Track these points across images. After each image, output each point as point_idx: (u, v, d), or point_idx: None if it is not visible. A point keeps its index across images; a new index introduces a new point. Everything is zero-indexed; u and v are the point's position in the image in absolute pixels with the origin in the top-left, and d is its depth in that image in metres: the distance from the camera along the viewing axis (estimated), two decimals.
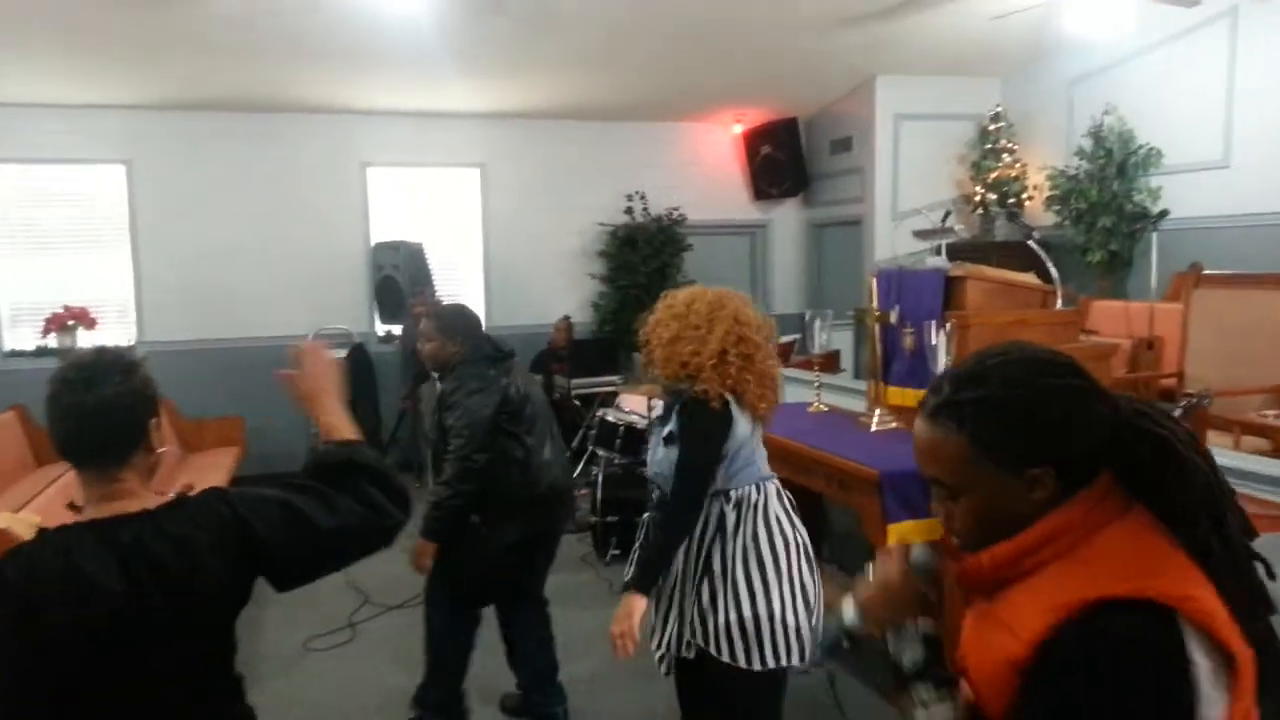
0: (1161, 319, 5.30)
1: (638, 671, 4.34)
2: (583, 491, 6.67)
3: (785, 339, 6.27)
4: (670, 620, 2.66)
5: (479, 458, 3.45)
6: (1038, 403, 1.19)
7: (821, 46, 7.27)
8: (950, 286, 3.82)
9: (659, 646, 2.69)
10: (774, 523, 2.60)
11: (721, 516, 2.58)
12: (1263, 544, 1.38)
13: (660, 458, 2.67)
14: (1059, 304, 3.82)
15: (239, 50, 6.58)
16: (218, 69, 6.98)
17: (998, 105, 8.12)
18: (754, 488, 2.62)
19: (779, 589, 2.54)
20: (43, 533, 1.63)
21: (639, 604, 2.58)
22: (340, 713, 4.14)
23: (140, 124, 7.73)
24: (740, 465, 2.60)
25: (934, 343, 3.51)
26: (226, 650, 1.73)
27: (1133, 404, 1.23)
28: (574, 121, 8.74)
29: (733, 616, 2.52)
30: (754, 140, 9.22)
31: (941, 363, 3.49)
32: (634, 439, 5.83)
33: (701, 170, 9.24)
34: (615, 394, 7.00)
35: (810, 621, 2.57)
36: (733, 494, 2.60)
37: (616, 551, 5.77)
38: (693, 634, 2.58)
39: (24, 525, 3.35)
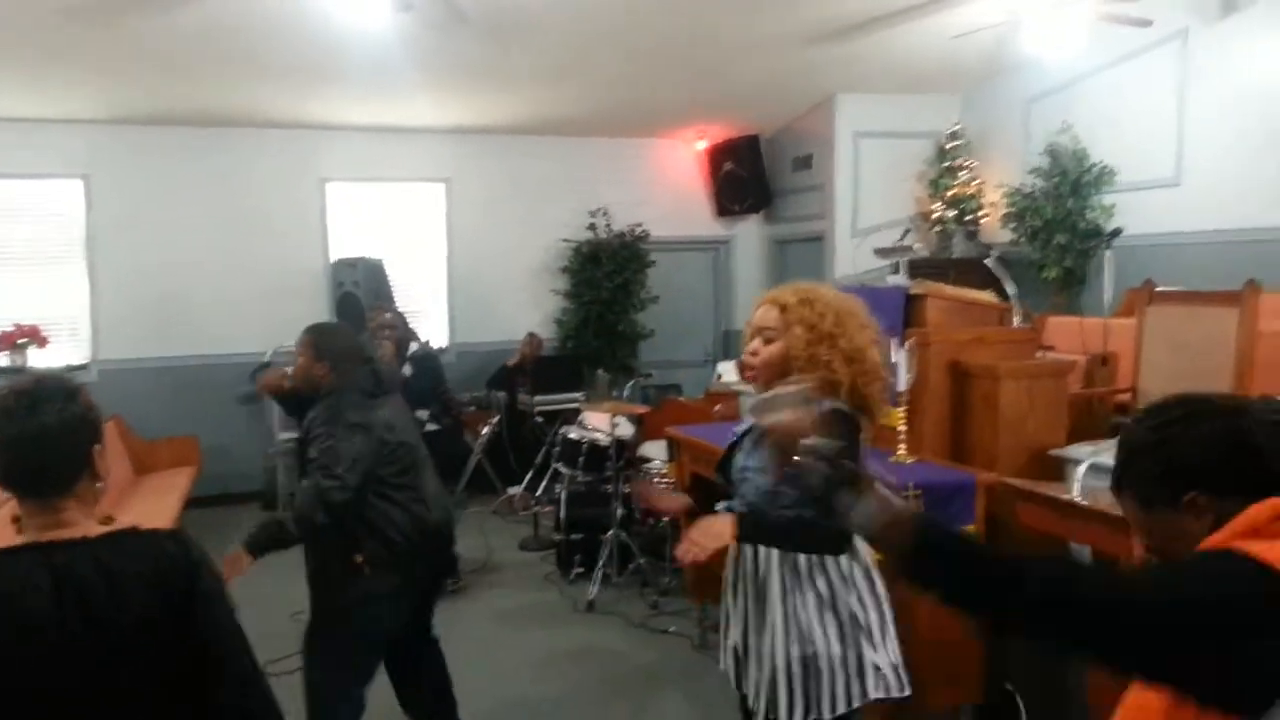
0: (1115, 335, 5.36)
1: (604, 692, 4.33)
2: (546, 509, 6.64)
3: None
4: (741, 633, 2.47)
5: (338, 496, 3.09)
6: (1170, 446, 1.34)
7: (783, 64, 7.34)
8: (910, 304, 3.86)
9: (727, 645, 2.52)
10: (863, 558, 2.44)
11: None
12: None
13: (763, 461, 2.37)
14: (1016, 321, 3.87)
15: (198, 65, 6.51)
16: (176, 83, 6.89)
17: (956, 123, 8.23)
18: None
19: (877, 624, 2.38)
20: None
21: (728, 532, 2.30)
22: None
23: (98, 138, 7.61)
24: None
25: (894, 359, 3.53)
26: (164, 683, 1.63)
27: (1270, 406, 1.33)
28: (538, 137, 8.73)
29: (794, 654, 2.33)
30: (717, 157, 9.27)
31: (902, 379, 3.51)
32: (597, 456, 5.82)
33: (665, 186, 9.27)
34: (578, 411, 6.98)
35: (898, 653, 2.41)
36: None
37: (580, 569, 5.75)
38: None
39: None
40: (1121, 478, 1.40)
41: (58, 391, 1.65)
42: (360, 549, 3.20)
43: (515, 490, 7.50)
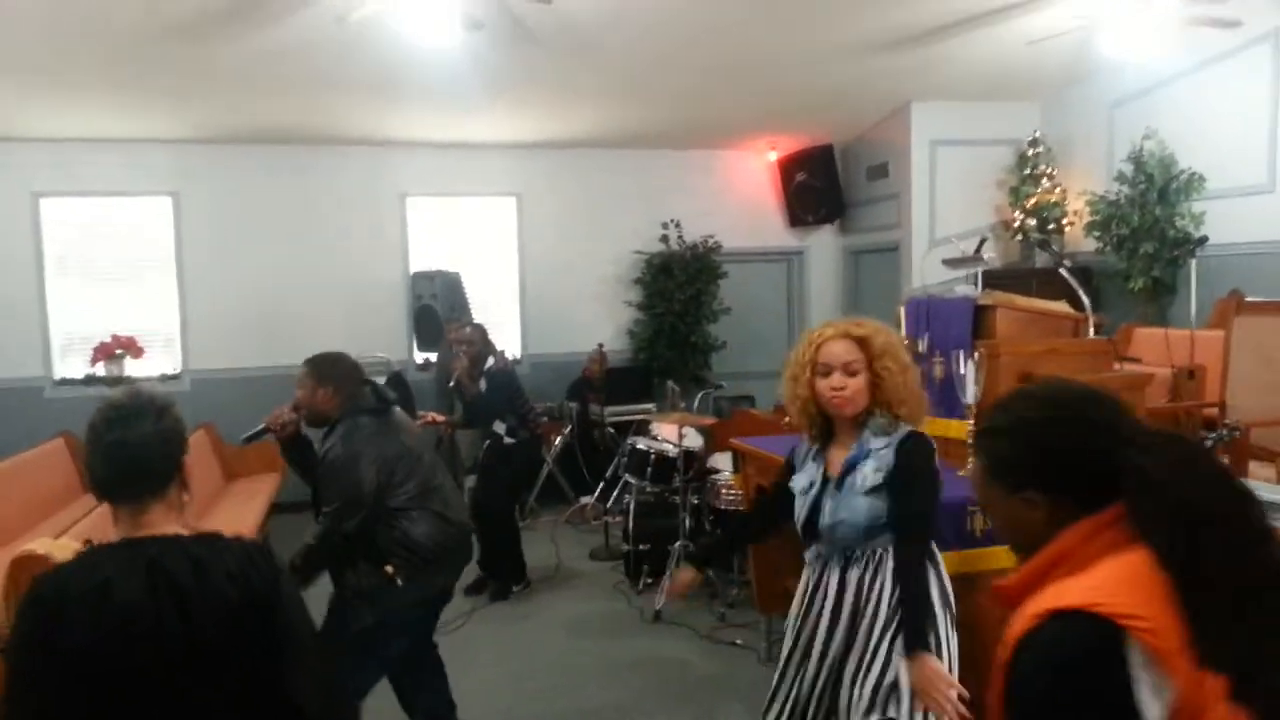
0: (1203, 347, 5.18)
1: (668, 702, 4.33)
2: (615, 519, 6.68)
3: None
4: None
5: (349, 524, 3.24)
6: (1017, 440, 1.38)
7: (856, 73, 7.27)
8: (980, 315, 3.78)
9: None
10: (947, 583, 2.54)
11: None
12: None
13: (858, 506, 2.50)
14: (1090, 332, 3.76)
15: (280, 85, 6.75)
16: (259, 103, 7.16)
17: (1036, 130, 8.05)
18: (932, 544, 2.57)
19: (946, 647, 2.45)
20: (79, 552, 1.73)
21: (933, 660, 2.36)
22: None
23: (186, 157, 7.94)
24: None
25: (963, 372, 3.47)
26: (247, 681, 1.71)
27: (1144, 429, 1.32)
28: (609, 150, 8.82)
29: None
30: (789, 167, 9.22)
31: (970, 392, 3.45)
32: (664, 467, 5.83)
33: (736, 197, 9.26)
34: (648, 421, 7.00)
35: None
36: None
37: (649, 580, 5.76)
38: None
39: (65, 551, 3.45)
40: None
41: (153, 405, 1.79)
42: (389, 561, 3.28)
43: (587, 500, 7.56)
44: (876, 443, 2.51)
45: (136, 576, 1.63)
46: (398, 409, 3.55)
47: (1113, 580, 1.20)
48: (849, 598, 2.55)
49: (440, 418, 6.20)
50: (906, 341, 3.90)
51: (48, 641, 1.60)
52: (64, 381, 7.80)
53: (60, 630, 1.59)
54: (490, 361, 5.88)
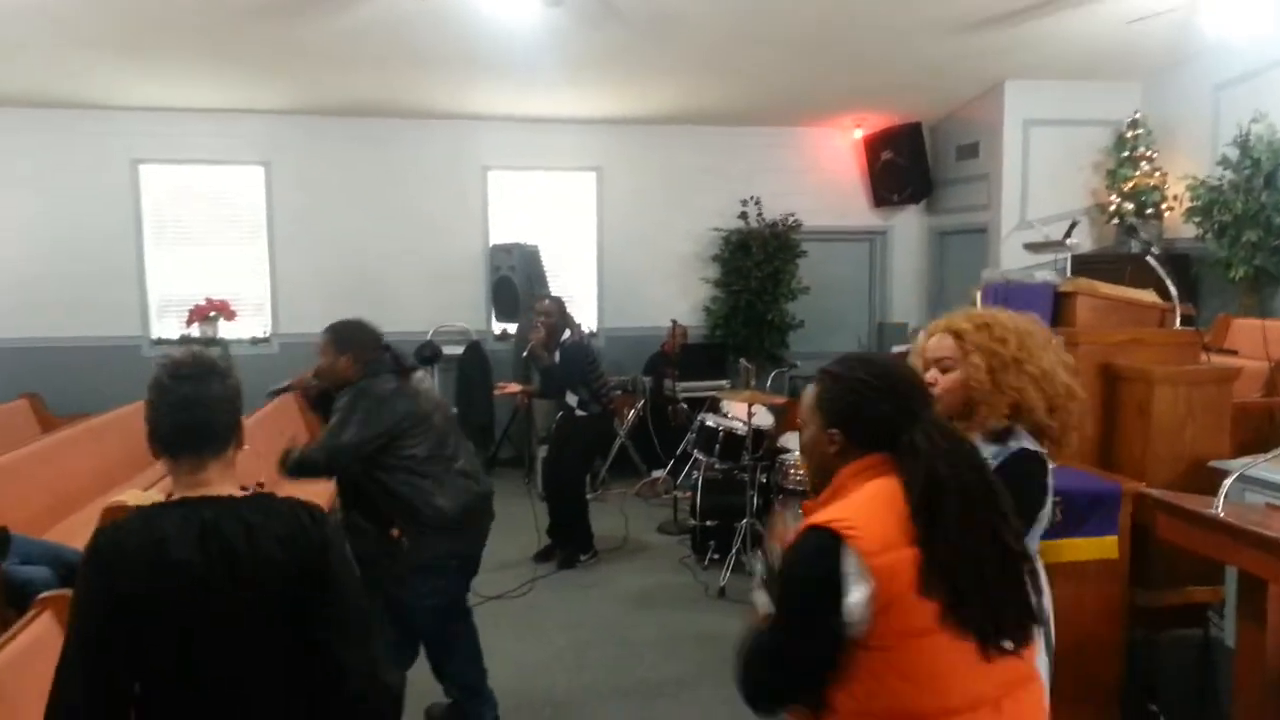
0: None
1: (727, 677, 4.34)
2: (684, 495, 6.70)
3: (897, 349, 6.14)
4: None
5: (317, 455, 3.37)
6: (842, 390, 1.78)
7: (947, 50, 7.08)
8: (1061, 302, 3.68)
9: None
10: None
11: None
12: None
13: None
14: (1177, 323, 3.62)
15: (367, 59, 6.88)
16: (347, 77, 7.31)
17: (1136, 111, 7.73)
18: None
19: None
20: (139, 508, 1.77)
21: None
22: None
23: (278, 128, 8.17)
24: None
25: None
26: (293, 648, 1.77)
27: (932, 421, 1.72)
28: (690, 126, 8.77)
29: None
30: (875, 145, 9.04)
31: None
32: (733, 444, 5.82)
33: (819, 175, 9.12)
34: (719, 399, 6.99)
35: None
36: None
37: (716, 556, 5.77)
38: None
39: (151, 501, 3.61)
40: (819, 378, 1.84)
41: (216, 365, 1.85)
42: (395, 524, 3.34)
43: (658, 474, 7.59)
44: (986, 450, 2.12)
45: (191, 536, 1.69)
46: (418, 374, 3.61)
47: (852, 506, 1.66)
48: None
49: (517, 387, 6.34)
50: None
51: (103, 592, 1.67)
52: (160, 341, 8.13)
53: (115, 582, 1.66)
54: (566, 334, 5.93)
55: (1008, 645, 1.61)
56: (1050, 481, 2.18)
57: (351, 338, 3.49)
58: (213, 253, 8.27)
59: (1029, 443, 2.18)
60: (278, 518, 1.76)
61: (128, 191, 8.00)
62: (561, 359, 5.89)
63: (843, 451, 1.75)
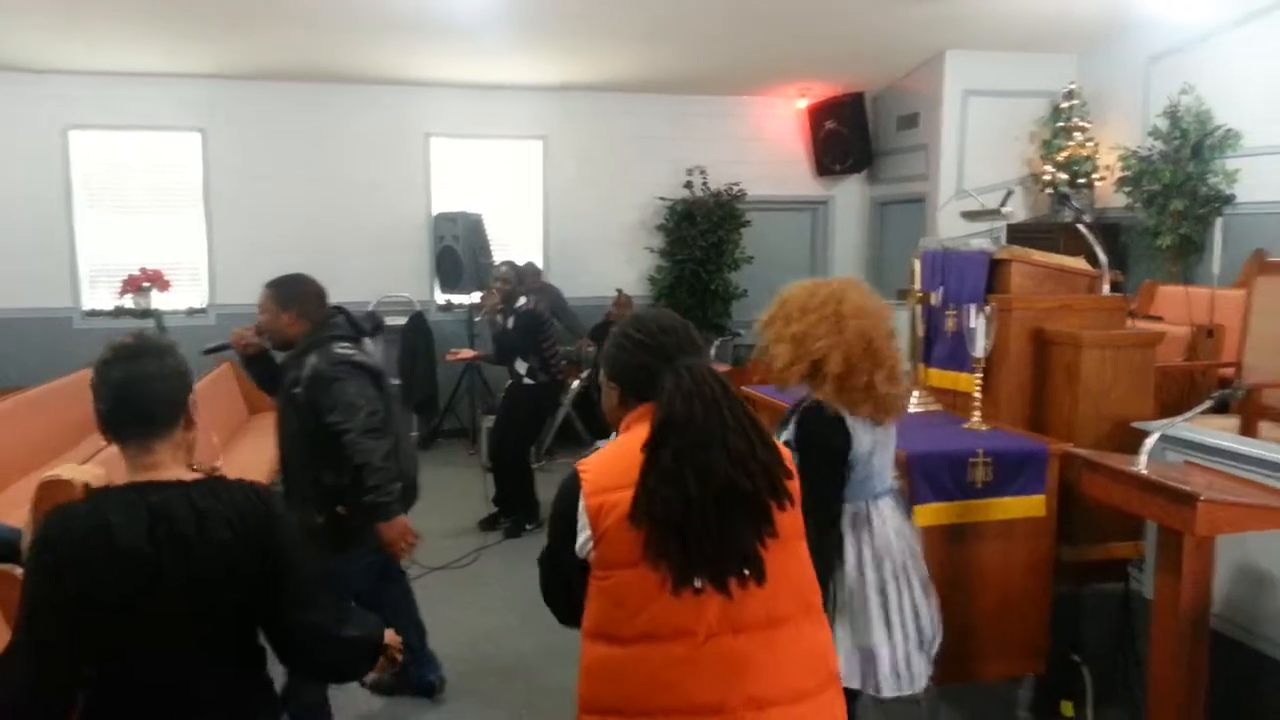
0: (1224, 306, 5.13)
1: None
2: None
3: None
4: None
5: (374, 423, 3.21)
6: (613, 345, 1.93)
7: (890, 20, 7.14)
8: (995, 269, 3.76)
9: None
10: (881, 545, 2.49)
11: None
12: None
13: None
14: (1106, 289, 3.74)
15: (308, 22, 6.74)
16: (288, 40, 7.16)
17: (1071, 83, 7.88)
18: (866, 503, 2.51)
19: (881, 620, 2.47)
20: (87, 492, 1.77)
21: None
22: None
23: (214, 93, 7.98)
24: (858, 479, 2.48)
25: (973, 325, 3.47)
26: (244, 623, 1.81)
27: (688, 367, 1.77)
28: (636, 94, 8.75)
29: (846, 646, 2.46)
30: (818, 115, 9.11)
31: (980, 346, 3.45)
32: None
33: (763, 145, 9.17)
34: None
35: (919, 649, 2.51)
36: (845, 510, 2.49)
37: None
38: None
39: (86, 475, 3.55)
40: (609, 336, 1.99)
41: (158, 345, 1.84)
42: (343, 500, 3.18)
43: (602, 443, 7.62)
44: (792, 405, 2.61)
45: (138, 523, 1.69)
46: (368, 340, 3.49)
47: (603, 451, 1.85)
48: None
49: (470, 353, 6.35)
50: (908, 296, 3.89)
51: (52, 579, 1.68)
52: (93, 313, 7.95)
53: (63, 570, 1.67)
54: (522, 300, 5.94)
55: (697, 584, 1.68)
56: (846, 434, 2.43)
57: (294, 293, 3.35)
58: (146, 221, 8.08)
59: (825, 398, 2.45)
60: (227, 500, 1.76)
61: (57, 158, 7.77)
62: (515, 325, 5.91)
63: (622, 401, 1.91)
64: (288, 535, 1.82)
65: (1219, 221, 5.41)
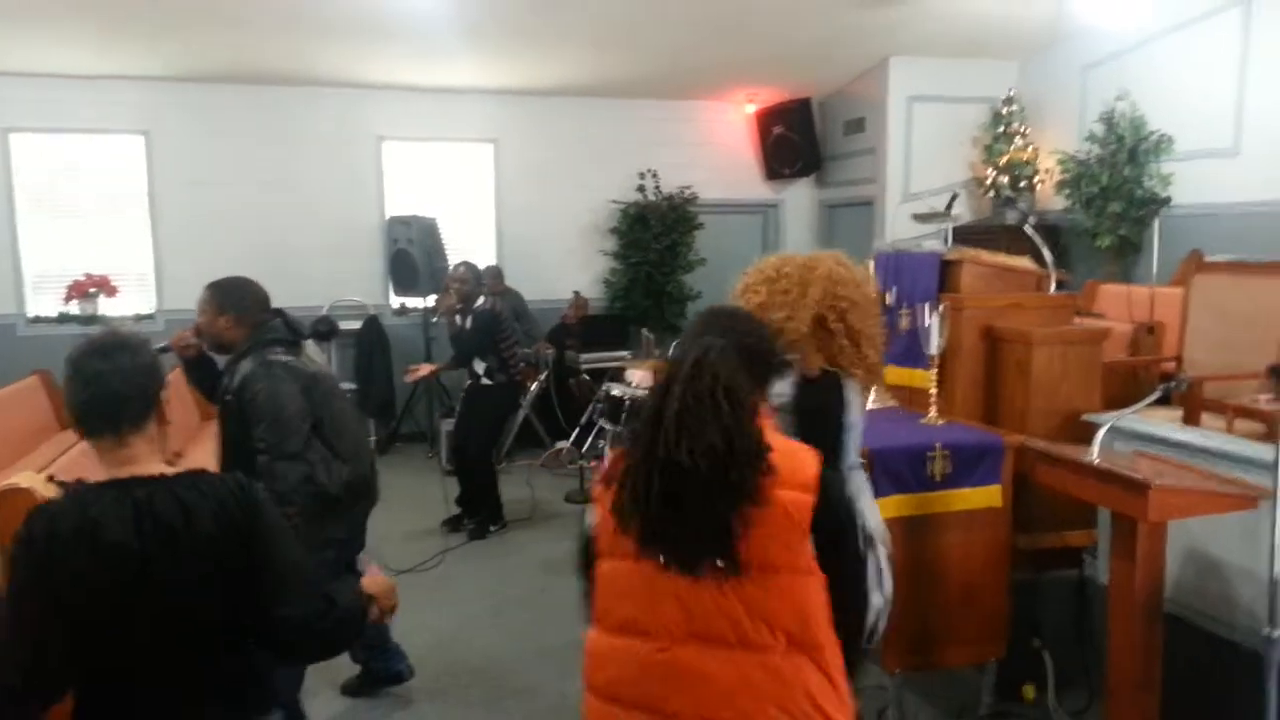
0: (1163, 304, 5.35)
1: None
2: (592, 463, 6.81)
3: None
4: None
5: (293, 446, 3.11)
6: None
7: (835, 27, 7.30)
8: (946, 270, 3.90)
9: None
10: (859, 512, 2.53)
11: None
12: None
13: None
14: (1053, 288, 3.89)
15: (256, 23, 6.68)
16: (235, 42, 7.08)
17: (1011, 89, 8.13)
18: (843, 473, 2.51)
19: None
20: (65, 490, 1.78)
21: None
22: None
23: (159, 95, 7.86)
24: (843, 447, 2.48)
25: (927, 324, 3.59)
26: (231, 615, 1.82)
27: (692, 355, 1.71)
28: (587, 99, 8.81)
29: None
30: (766, 120, 9.25)
31: (934, 343, 3.57)
32: (639, 412, 5.93)
33: (714, 149, 9.29)
34: (623, 369, 7.10)
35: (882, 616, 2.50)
36: None
37: None
38: None
39: (47, 485, 3.51)
40: None
41: (130, 341, 1.85)
42: (290, 502, 3.08)
43: (563, 444, 7.68)
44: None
45: (124, 518, 1.70)
46: (309, 343, 3.43)
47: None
48: None
49: (428, 368, 6.25)
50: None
51: (39, 577, 1.68)
52: (38, 319, 7.78)
53: (51, 569, 1.68)
54: (480, 300, 5.96)
55: (661, 559, 1.66)
56: (837, 390, 2.47)
57: (233, 296, 3.26)
58: (92, 226, 7.92)
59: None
60: (210, 492, 1.78)
61: None
62: (473, 325, 5.93)
63: None
64: (270, 524, 1.84)
65: (1156, 223, 5.63)
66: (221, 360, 3.43)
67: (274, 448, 3.09)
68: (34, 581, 1.69)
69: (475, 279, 6.04)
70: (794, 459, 1.69)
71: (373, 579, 2.05)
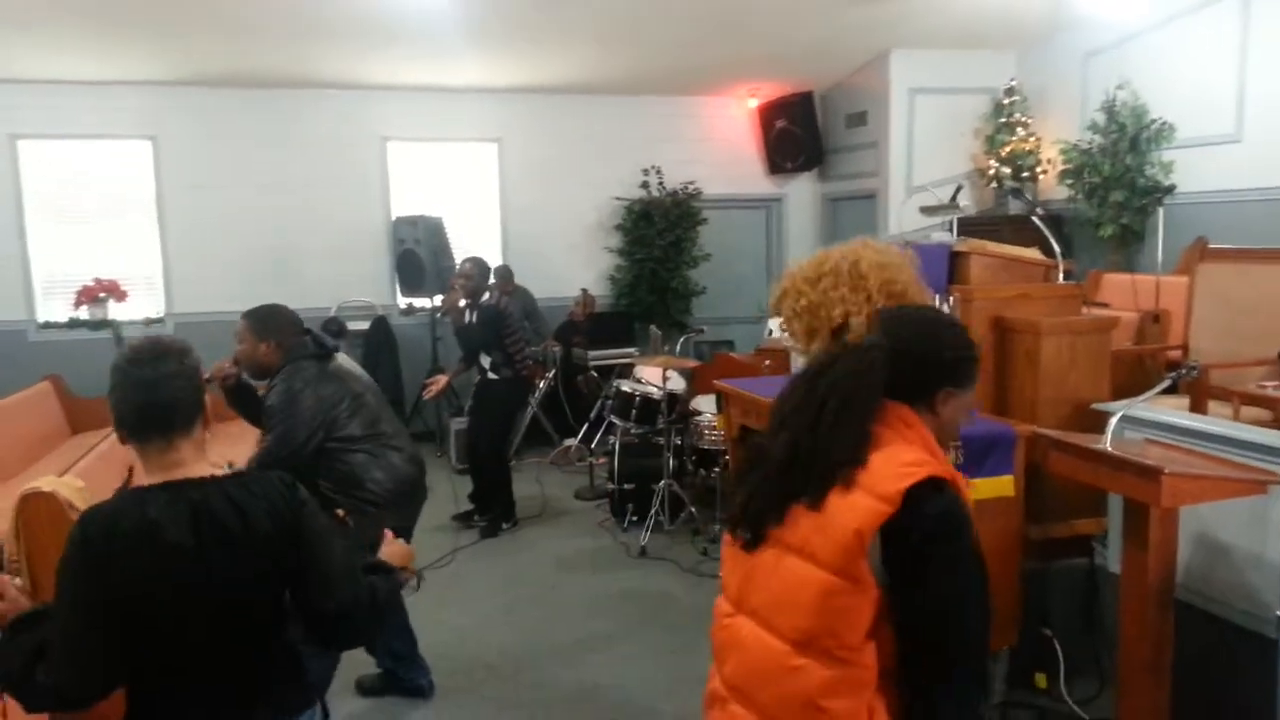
0: (1168, 292, 5.38)
1: (653, 629, 4.54)
2: (600, 460, 6.86)
3: None
4: None
5: (281, 454, 3.31)
6: None
7: (836, 20, 7.32)
8: (955, 261, 3.93)
9: None
10: None
11: None
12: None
13: None
14: (1060, 278, 3.92)
15: (261, 27, 6.72)
16: (238, 46, 7.12)
17: (1012, 79, 8.15)
18: None
19: None
20: (120, 492, 1.82)
21: None
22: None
23: (165, 100, 7.90)
24: None
25: None
26: (282, 612, 1.89)
27: (851, 346, 1.80)
28: (590, 96, 8.84)
29: None
30: (769, 114, 9.28)
31: None
32: (649, 409, 5.98)
33: (717, 144, 9.32)
34: (632, 365, 7.15)
35: None
36: None
37: (634, 518, 5.95)
38: None
39: (69, 489, 3.56)
40: None
41: (177, 346, 1.90)
42: (339, 504, 3.32)
43: (571, 442, 7.72)
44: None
45: (182, 519, 1.75)
46: (341, 355, 3.62)
47: None
48: None
49: (443, 379, 6.11)
50: None
51: (97, 579, 1.71)
52: (48, 325, 7.82)
53: (110, 570, 1.71)
54: (486, 296, 6.00)
55: (745, 535, 1.75)
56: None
57: (271, 324, 3.45)
58: (100, 231, 7.96)
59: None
60: (260, 493, 1.83)
61: (7, 169, 7.62)
62: (479, 319, 5.98)
63: None
64: (316, 521, 1.90)
65: (1160, 211, 5.66)
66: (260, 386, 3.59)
67: (272, 451, 3.31)
68: (92, 582, 1.71)
69: (481, 274, 6.07)
70: (891, 468, 1.61)
71: (390, 548, 2.16)
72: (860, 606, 1.59)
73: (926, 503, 1.58)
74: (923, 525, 1.58)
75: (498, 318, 5.96)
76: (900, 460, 1.61)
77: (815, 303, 2.34)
